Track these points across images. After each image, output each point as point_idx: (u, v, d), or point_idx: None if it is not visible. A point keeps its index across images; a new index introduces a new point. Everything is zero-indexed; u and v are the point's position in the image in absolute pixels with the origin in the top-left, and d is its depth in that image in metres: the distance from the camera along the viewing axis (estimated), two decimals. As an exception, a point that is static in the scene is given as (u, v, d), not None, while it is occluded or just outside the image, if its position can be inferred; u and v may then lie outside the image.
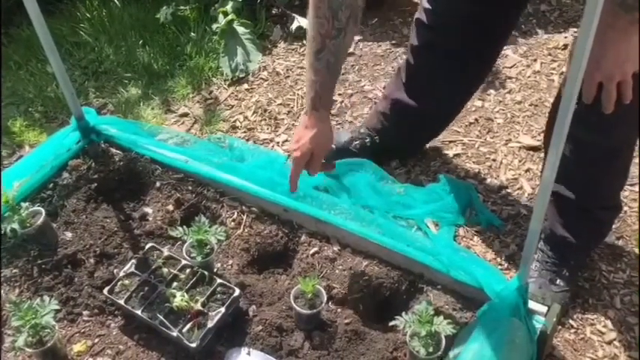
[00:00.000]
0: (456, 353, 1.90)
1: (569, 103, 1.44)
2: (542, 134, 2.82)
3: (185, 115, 3.13)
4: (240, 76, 3.31)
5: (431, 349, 1.88)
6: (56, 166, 2.62)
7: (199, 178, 2.59)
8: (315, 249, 2.34)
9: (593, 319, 2.19)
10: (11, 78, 3.37)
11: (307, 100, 2.06)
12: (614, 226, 2.42)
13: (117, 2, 3.70)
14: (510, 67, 3.21)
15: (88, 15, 3.66)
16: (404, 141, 2.67)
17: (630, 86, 1.56)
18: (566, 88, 1.43)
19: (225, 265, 2.31)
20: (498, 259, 2.37)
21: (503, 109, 2.99)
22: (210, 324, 2.02)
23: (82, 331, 2.13)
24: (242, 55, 3.35)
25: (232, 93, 3.24)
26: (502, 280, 2.07)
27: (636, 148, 2.15)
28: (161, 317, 2.04)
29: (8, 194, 2.27)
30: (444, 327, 1.87)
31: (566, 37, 3.33)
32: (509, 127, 2.90)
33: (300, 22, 3.51)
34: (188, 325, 2.02)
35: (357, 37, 3.48)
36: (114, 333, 2.12)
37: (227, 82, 3.30)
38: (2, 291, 2.23)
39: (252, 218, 2.46)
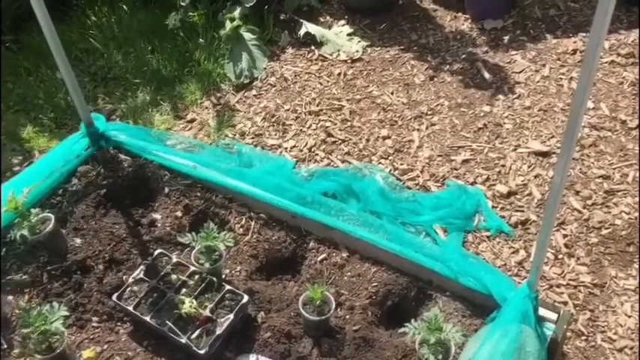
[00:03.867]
0: (465, 361, 1.89)
1: (579, 107, 1.44)
2: (552, 139, 2.82)
3: (194, 120, 3.14)
4: (245, 82, 3.31)
5: (440, 357, 1.87)
6: (65, 173, 2.63)
7: (208, 184, 2.60)
8: (324, 255, 2.34)
9: (603, 327, 2.18)
10: (21, 84, 3.39)
11: None
12: (624, 232, 2.41)
13: (126, 9, 3.72)
14: (519, 72, 3.20)
15: (97, 21, 3.68)
16: None
17: None
18: (576, 92, 1.43)
19: (233, 272, 2.31)
20: (507, 266, 2.35)
21: (512, 115, 2.97)
22: (219, 330, 2.02)
23: (92, 337, 2.14)
24: (247, 61, 3.36)
25: (241, 99, 3.24)
26: (512, 286, 2.06)
27: None
28: (170, 324, 2.04)
29: (18, 200, 2.28)
30: (453, 334, 1.87)
31: (575, 42, 3.31)
32: (519, 132, 2.88)
33: (308, 27, 3.52)
34: (197, 332, 2.03)
35: (365, 43, 3.48)
36: (123, 339, 2.12)
37: (235, 88, 3.31)
38: (12, 297, 2.24)
39: (261, 224, 2.46)
